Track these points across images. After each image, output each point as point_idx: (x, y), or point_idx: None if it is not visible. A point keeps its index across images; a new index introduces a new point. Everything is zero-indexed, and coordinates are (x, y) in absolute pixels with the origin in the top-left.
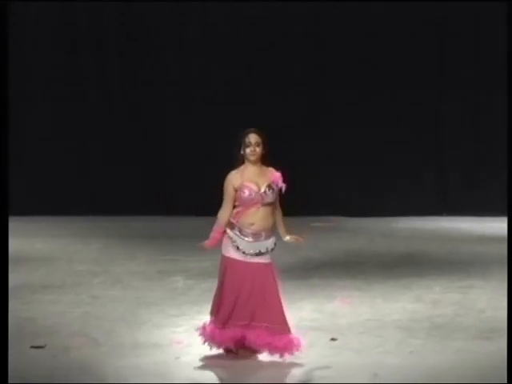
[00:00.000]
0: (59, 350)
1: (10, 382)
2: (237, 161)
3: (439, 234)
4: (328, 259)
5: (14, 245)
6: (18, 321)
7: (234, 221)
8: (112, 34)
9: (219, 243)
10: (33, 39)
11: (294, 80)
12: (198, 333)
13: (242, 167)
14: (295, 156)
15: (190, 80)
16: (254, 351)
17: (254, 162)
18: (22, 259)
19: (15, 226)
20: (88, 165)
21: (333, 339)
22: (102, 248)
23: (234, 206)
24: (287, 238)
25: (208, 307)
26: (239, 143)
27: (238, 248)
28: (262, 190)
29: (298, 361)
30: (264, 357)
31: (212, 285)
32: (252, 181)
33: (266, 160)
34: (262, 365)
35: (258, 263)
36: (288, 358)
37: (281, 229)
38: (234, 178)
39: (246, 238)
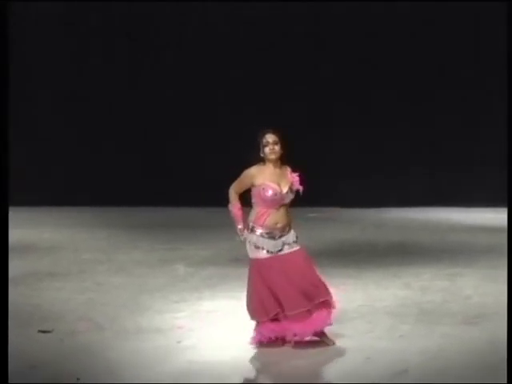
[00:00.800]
0: (66, 334)
1: (17, 369)
2: (256, 162)
3: (429, 224)
4: (323, 248)
5: (23, 234)
6: (26, 307)
7: (257, 224)
8: (112, 33)
9: (243, 215)
10: (33, 39)
11: (293, 80)
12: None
13: (262, 166)
14: (292, 149)
15: (190, 74)
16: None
17: (274, 161)
18: (30, 248)
19: (24, 216)
20: (94, 158)
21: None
22: (106, 237)
23: (250, 204)
24: None
25: (208, 293)
26: (257, 145)
27: (265, 249)
28: (284, 192)
29: (290, 345)
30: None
31: (211, 272)
32: (274, 181)
33: (284, 159)
34: (260, 348)
35: (290, 252)
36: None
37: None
38: (256, 174)
39: (273, 238)
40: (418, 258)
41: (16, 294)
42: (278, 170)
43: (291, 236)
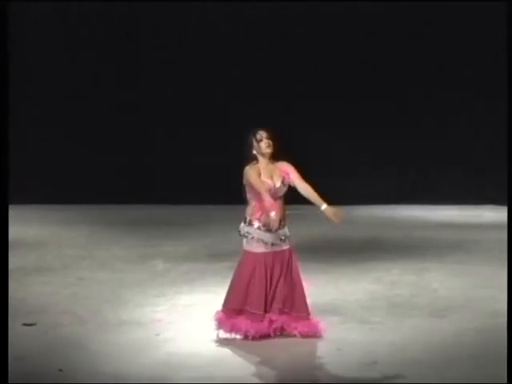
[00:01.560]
0: (49, 327)
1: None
2: (249, 160)
3: (397, 220)
4: (296, 244)
5: (10, 231)
6: (12, 300)
7: (254, 218)
8: (111, 33)
9: None
10: (33, 39)
11: (293, 80)
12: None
13: (255, 164)
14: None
15: (190, 74)
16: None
17: (268, 156)
18: (16, 245)
19: (11, 213)
20: (78, 157)
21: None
22: (88, 234)
23: (245, 199)
24: (324, 206)
25: (186, 288)
26: (249, 143)
27: (264, 242)
28: (278, 186)
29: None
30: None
31: (189, 268)
32: (268, 176)
33: (276, 154)
34: (236, 340)
35: (283, 250)
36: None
37: (316, 198)
38: (251, 171)
39: (270, 231)
40: (388, 253)
41: None
42: (270, 166)
43: (285, 231)
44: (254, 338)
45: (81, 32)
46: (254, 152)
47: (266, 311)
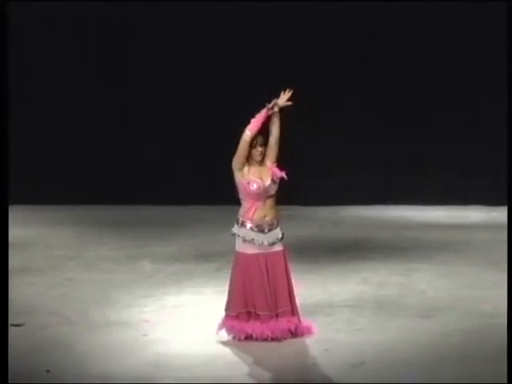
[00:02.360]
0: (37, 327)
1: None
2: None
3: (384, 221)
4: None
5: None
6: None
7: (247, 218)
8: (111, 32)
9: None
10: (33, 39)
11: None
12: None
13: (246, 166)
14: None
15: (189, 74)
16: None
17: (259, 162)
18: None
19: None
20: (63, 157)
21: None
22: (76, 235)
23: (239, 201)
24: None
25: (173, 289)
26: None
27: (256, 243)
28: (267, 184)
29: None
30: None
31: (177, 268)
32: (257, 176)
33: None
34: (224, 341)
35: (276, 251)
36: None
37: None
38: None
39: (263, 232)
40: (375, 254)
41: None
42: (259, 167)
43: (278, 233)
44: (272, 339)
45: (81, 32)
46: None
47: (271, 311)
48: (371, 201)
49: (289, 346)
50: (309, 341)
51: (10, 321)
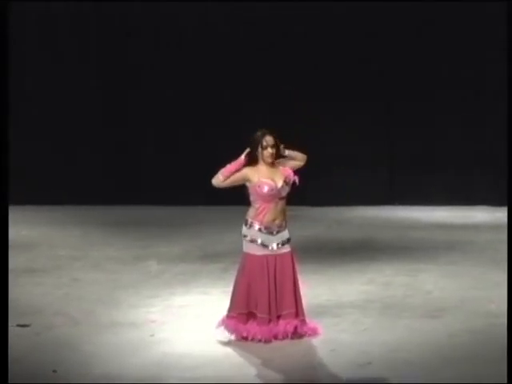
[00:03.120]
0: (42, 328)
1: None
2: (251, 159)
3: (390, 221)
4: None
5: None
6: None
7: (256, 220)
8: (111, 32)
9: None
10: (33, 39)
11: (293, 80)
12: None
13: (256, 166)
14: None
15: (189, 74)
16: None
17: (270, 163)
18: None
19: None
20: (67, 158)
21: None
22: (81, 235)
23: (249, 202)
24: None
25: (180, 289)
26: (255, 143)
27: (265, 245)
28: (280, 185)
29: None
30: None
31: (183, 269)
32: (268, 177)
33: (277, 157)
34: (230, 341)
35: (284, 253)
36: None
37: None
38: (250, 174)
39: (271, 233)
40: (381, 254)
41: None
42: (270, 167)
43: (286, 234)
44: (266, 341)
45: (81, 32)
46: (257, 153)
47: (271, 314)
48: (377, 201)
49: (294, 347)
50: (315, 341)
51: (16, 321)
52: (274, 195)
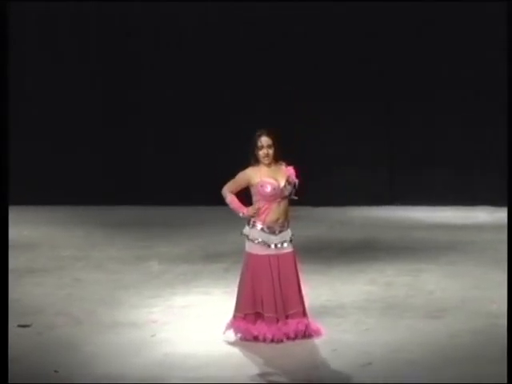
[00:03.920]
0: (44, 328)
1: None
2: (252, 160)
3: (391, 221)
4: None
5: None
6: None
7: (258, 220)
8: (111, 33)
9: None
10: (33, 39)
11: (292, 80)
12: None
13: (257, 166)
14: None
15: (188, 74)
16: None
17: (267, 164)
18: (10, 245)
19: None
20: (69, 158)
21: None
22: (83, 235)
23: (251, 202)
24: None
25: (181, 289)
26: (252, 144)
27: (268, 245)
28: (282, 185)
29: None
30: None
31: (185, 269)
32: (271, 177)
33: (278, 157)
34: (232, 341)
35: (287, 253)
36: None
37: None
38: (252, 174)
39: (274, 233)
40: (383, 254)
41: None
42: (272, 167)
43: (288, 234)
44: (277, 341)
45: (81, 32)
46: (255, 154)
47: (277, 313)
48: (378, 201)
49: (297, 347)
50: (317, 341)
51: (18, 321)
52: (276, 195)
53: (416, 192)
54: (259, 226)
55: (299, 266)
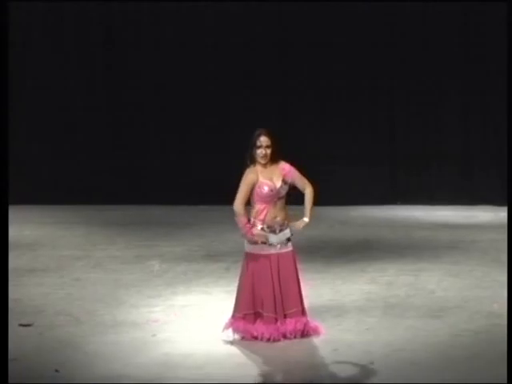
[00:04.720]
0: (45, 327)
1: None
2: (248, 159)
3: (393, 221)
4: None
5: None
6: None
7: (258, 220)
8: (111, 32)
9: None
10: (33, 40)
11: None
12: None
13: (255, 167)
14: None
15: (188, 74)
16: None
17: (264, 165)
18: (11, 245)
19: None
20: (71, 158)
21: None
22: (83, 234)
23: (249, 202)
24: (306, 219)
25: (182, 288)
26: (251, 144)
27: (268, 244)
28: (279, 186)
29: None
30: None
31: (185, 268)
32: (268, 178)
33: (276, 157)
34: (232, 341)
35: (286, 252)
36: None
37: (306, 207)
38: (253, 176)
39: (274, 232)
40: (384, 254)
41: None
42: (269, 167)
43: (288, 233)
44: (274, 341)
45: (81, 32)
46: (253, 153)
47: (277, 313)
48: (379, 201)
49: (297, 346)
50: (317, 341)
51: (18, 321)
52: (273, 195)
53: (417, 191)
54: (259, 225)
55: (299, 265)
